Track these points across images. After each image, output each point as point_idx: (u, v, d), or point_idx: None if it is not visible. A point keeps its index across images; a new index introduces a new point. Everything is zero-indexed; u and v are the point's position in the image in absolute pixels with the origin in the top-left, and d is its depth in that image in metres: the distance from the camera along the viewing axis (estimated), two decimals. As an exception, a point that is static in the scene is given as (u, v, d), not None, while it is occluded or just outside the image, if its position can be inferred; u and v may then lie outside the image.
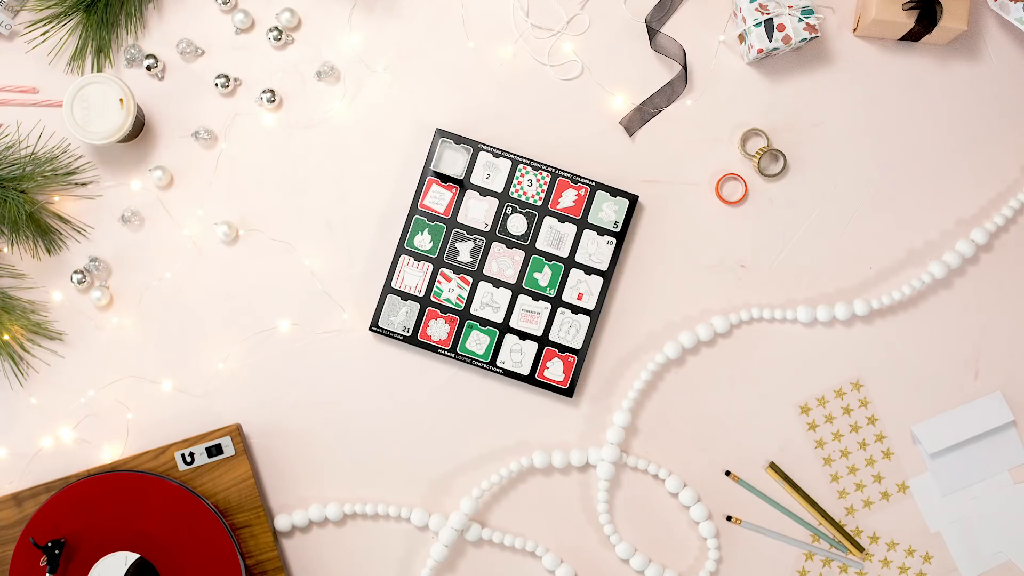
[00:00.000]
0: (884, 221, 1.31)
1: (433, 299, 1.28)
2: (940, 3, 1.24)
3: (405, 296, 1.28)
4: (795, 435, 1.30)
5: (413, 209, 1.28)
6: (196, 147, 1.30)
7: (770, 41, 1.24)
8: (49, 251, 1.28)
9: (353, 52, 1.31)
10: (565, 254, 1.28)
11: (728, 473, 1.30)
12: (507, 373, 1.28)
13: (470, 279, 1.28)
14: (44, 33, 1.28)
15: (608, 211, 1.28)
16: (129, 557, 1.22)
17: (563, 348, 1.28)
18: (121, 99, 1.21)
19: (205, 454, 1.25)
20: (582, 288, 1.28)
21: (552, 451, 1.29)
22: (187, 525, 1.22)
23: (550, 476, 1.30)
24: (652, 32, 1.30)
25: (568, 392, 1.28)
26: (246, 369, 1.29)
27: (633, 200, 1.28)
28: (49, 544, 1.19)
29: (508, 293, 1.28)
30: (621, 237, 1.28)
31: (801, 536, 1.30)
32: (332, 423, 1.29)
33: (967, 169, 1.32)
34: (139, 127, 1.28)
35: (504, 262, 1.28)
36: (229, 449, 1.25)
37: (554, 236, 1.28)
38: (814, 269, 1.31)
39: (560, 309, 1.28)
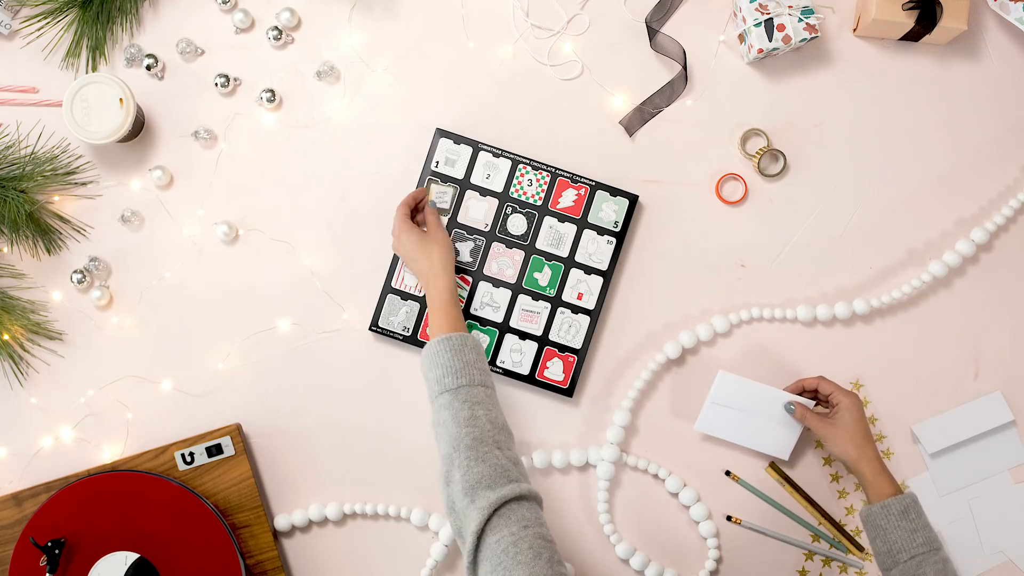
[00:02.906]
0: (884, 221, 1.31)
1: (433, 299, 1.28)
2: (940, 3, 1.24)
3: (405, 296, 1.28)
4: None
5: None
6: (196, 147, 1.30)
7: (770, 41, 1.24)
8: (49, 251, 1.28)
9: (353, 52, 1.31)
10: (565, 254, 1.28)
11: (728, 473, 1.30)
12: (507, 373, 1.28)
13: (470, 279, 1.28)
14: (39, 29, 1.28)
15: (608, 211, 1.28)
16: (129, 557, 1.22)
17: (563, 348, 1.28)
18: (121, 99, 1.21)
19: (205, 454, 1.25)
20: (582, 288, 1.28)
21: (552, 451, 1.29)
22: (187, 525, 1.22)
23: (550, 476, 1.30)
24: (652, 32, 1.30)
25: (568, 392, 1.28)
26: (246, 369, 1.29)
27: (633, 200, 1.28)
28: (49, 544, 1.19)
29: (508, 293, 1.28)
30: (621, 237, 1.28)
31: (801, 536, 1.30)
32: (332, 423, 1.29)
33: (967, 169, 1.32)
34: (139, 127, 1.28)
35: (504, 262, 1.28)
36: (229, 449, 1.25)
37: (554, 236, 1.28)
38: (814, 269, 1.31)
39: (560, 309, 1.28)
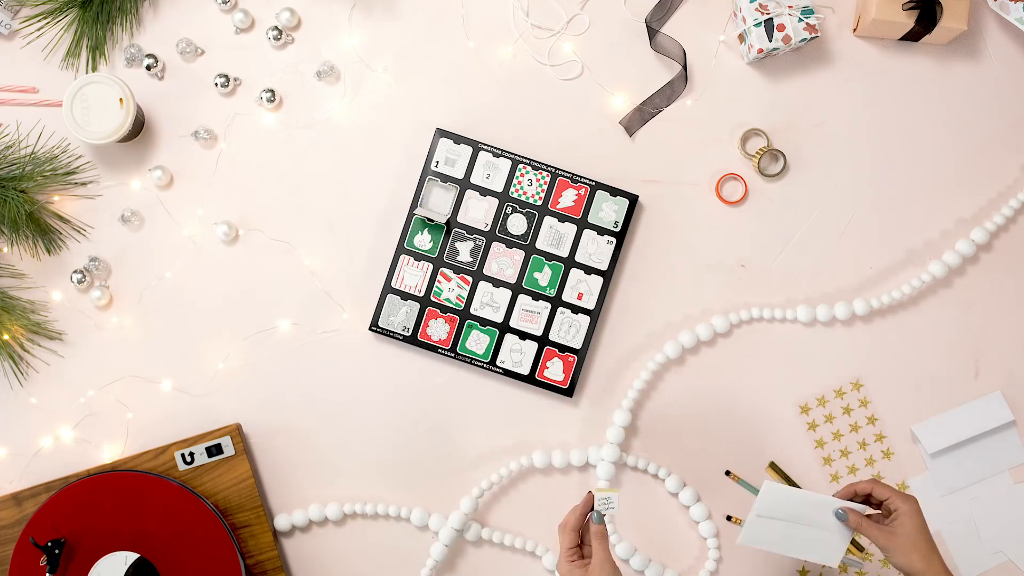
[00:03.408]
0: (884, 221, 1.31)
1: (433, 299, 1.28)
2: (940, 3, 1.24)
3: (405, 296, 1.28)
4: (795, 435, 1.30)
5: (413, 209, 1.28)
6: (196, 147, 1.30)
7: (770, 41, 1.24)
8: (49, 251, 1.28)
9: (353, 52, 1.30)
10: (565, 254, 1.28)
11: (728, 473, 1.29)
12: (507, 373, 1.28)
13: (470, 279, 1.28)
14: (39, 29, 1.28)
15: (608, 211, 1.28)
16: (129, 557, 1.22)
17: (563, 348, 1.28)
18: (121, 99, 1.21)
19: (205, 454, 1.25)
20: (582, 288, 1.28)
21: (552, 451, 1.28)
22: (187, 525, 1.22)
23: (550, 476, 1.30)
24: (652, 32, 1.30)
25: (568, 392, 1.28)
26: (246, 369, 1.29)
27: (633, 200, 1.28)
28: (49, 544, 1.19)
29: (508, 293, 1.28)
30: (621, 237, 1.28)
31: (801, 536, 1.30)
32: (332, 423, 1.29)
33: (967, 169, 1.32)
34: (139, 127, 1.28)
35: (504, 262, 1.28)
36: (229, 449, 1.25)
37: (554, 236, 1.28)
38: (814, 269, 1.31)
39: (560, 309, 1.28)
